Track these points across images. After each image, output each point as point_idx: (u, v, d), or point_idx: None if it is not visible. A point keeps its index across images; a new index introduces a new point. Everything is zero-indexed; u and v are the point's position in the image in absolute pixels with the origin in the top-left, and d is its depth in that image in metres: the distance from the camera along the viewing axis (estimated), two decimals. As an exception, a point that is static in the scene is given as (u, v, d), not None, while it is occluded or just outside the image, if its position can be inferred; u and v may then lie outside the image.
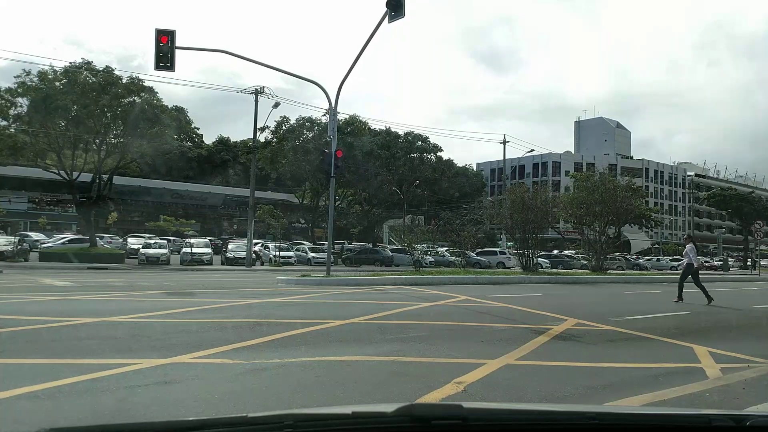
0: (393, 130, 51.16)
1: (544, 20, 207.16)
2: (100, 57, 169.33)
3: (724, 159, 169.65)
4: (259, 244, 38.77)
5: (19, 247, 28.61)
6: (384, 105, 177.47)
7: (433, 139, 54.08)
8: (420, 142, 52.53)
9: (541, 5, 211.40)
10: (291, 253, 35.36)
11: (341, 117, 39.80)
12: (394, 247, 42.30)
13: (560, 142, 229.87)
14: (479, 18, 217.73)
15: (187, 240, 36.57)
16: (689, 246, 14.86)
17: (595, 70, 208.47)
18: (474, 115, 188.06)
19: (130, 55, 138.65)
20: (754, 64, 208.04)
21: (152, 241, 33.66)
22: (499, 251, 40.67)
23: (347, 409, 1.62)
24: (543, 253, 37.62)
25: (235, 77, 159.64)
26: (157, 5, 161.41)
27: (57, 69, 28.32)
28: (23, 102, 28.18)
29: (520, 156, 73.54)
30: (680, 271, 15.38)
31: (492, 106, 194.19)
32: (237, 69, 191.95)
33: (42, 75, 27.82)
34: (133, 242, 36.99)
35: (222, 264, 31.87)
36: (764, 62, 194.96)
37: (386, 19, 16.02)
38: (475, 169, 77.92)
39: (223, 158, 70.39)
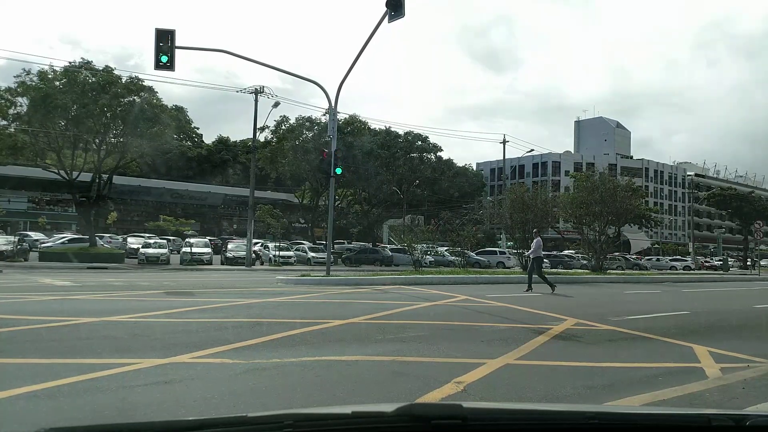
0: (393, 129, 51.20)
1: (542, 19, 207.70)
2: (97, 56, 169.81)
3: (722, 158, 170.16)
4: (259, 244, 38.71)
5: (18, 247, 28.58)
6: (382, 104, 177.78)
7: (432, 139, 54.05)
8: (420, 142, 52.49)
9: (540, 4, 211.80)
10: (291, 253, 35.32)
11: (341, 117, 39.79)
12: (393, 246, 42.27)
13: (559, 141, 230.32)
14: (477, 17, 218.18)
15: (187, 240, 36.57)
16: (537, 239, 16.57)
17: (594, 70, 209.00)
18: (472, 115, 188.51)
19: (127, 54, 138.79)
20: (752, 64, 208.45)
21: (152, 241, 33.61)
22: (499, 251, 40.66)
23: (347, 409, 1.62)
24: (543, 252, 37.55)
25: (231, 76, 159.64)
26: (154, 4, 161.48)
27: (57, 68, 28.31)
28: (23, 102, 28.14)
29: (519, 156, 73.58)
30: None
31: (490, 105, 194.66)
32: (233, 68, 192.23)
33: (42, 74, 27.78)
34: (133, 242, 36.94)
35: (222, 264, 31.84)
36: (762, 61, 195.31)
37: (386, 18, 16.01)
38: (474, 168, 77.88)
39: (222, 158, 70.37)
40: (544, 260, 38.43)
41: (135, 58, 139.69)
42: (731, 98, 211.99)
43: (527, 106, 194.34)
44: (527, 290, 15.59)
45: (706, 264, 59.18)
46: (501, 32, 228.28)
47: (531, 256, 16.72)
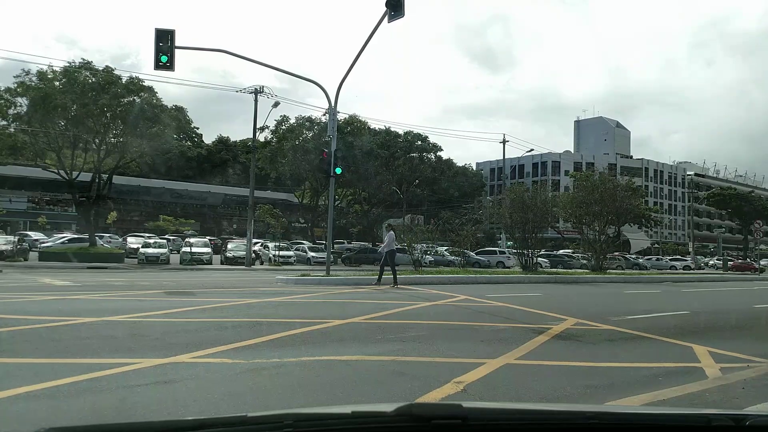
0: (392, 129, 51.22)
1: (538, 18, 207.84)
2: (94, 55, 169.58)
3: (720, 158, 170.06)
4: (259, 244, 38.71)
5: (18, 247, 28.57)
6: (379, 104, 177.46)
7: (430, 139, 54.01)
8: (419, 142, 52.50)
9: (536, 3, 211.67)
10: (290, 253, 35.29)
11: (341, 117, 39.79)
12: (393, 246, 42.23)
13: (556, 141, 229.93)
14: (473, 16, 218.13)
15: (187, 239, 36.55)
16: (389, 233, 17.20)
17: (590, 69, 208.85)
18: (469, 114, 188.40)
19: (123, 54, 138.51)
20: (749, 63, 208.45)
21: (152, 241, 33.59)
22: (499, 251, 40.65)
23: (347, 409, 1.62)
24: (543, 252, 37.59)
25: (228, 76, 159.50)
26: (150, 3, 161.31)
27: (56, 69, 28.30)
28: (23, 102, 28.13)
29: (519, 156, 73.58)
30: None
31: (487, 104, 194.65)
32: (230, 68, 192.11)
33: (41, 74, 27.77)
34: (133, 242, 36.93)
35: (221, 263, 31.84)
36: (759, 60, 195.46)
37: (386, 18, 16.00)
38: (474, 168, 77.88)
39: (222, 158, 70.35)
40: (545, 260, 38.98)
41: (132, 58, 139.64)
42: (729, 97, 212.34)
43: (524, 106, 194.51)
44: (377, 283, 15.95)
45: (711, 264, 58.05)
46: (497, 32, 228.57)
47: (384, 251, 16.94)
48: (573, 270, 32.71)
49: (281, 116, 45.29)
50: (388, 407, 1.57)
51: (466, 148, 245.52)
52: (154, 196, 61.66)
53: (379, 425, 1.58)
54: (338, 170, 18.66)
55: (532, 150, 59.72)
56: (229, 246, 34.73)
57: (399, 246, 38.21)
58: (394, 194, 50.29)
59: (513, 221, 27.40)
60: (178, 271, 25.16)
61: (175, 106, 34.23)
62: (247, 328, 7.95)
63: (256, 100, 32.85)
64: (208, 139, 73.92)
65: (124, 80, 29.35)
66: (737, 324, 10.93)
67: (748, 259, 57.54)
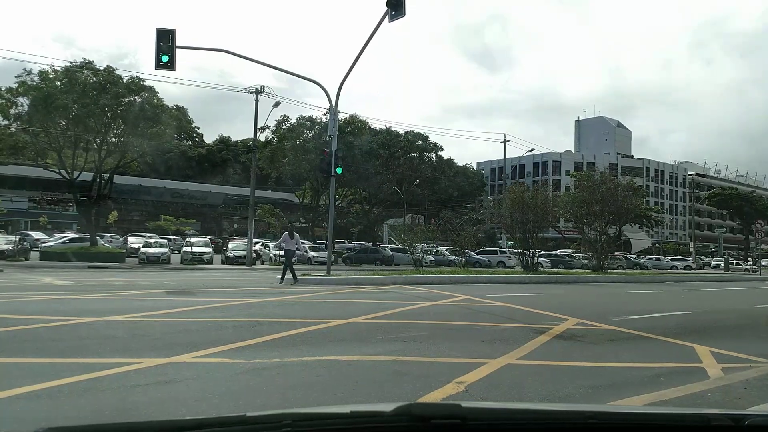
0: (393, 129, 51.18)
1: (536, 18, 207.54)
2: (91, 55, 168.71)
3: (720, 157, 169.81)
4: (259, 243, 38.75)
5: (19, 246, 28.60)
6: (377, 103, 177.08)
7: (430, 138, 53.96)
8: (420, 141, 52.47)
9: (534, 3, 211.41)
10: (291, 253, 35.23)
11: (341, 116, 39.77)
12: (394, 246, 42.26)
13: (555, 140, 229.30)
14: (472, 16, 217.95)
15: (188, 239, 36.56)
16: (285, 234, 17.54)
17: (589, 69, 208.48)
18: (467, 114, 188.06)
19: (121, 53, 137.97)
20: (748, 62, 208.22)
21: (152, 241, 33.58)
22: (500, 251, 40.60)
23: (346, 409, 1.62)
24: (543, 252, 37.55)
25: (226, 75, 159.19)
26: (148, 3, 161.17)
27: (57, 68, 28.31)
28: (24, 101, 28.15)
29: (520, 155, 73.53)
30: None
31: (486, 104, 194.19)
32: (227, 67, 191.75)
33: (42, 74, 27.78)
34: (134, 241, 36.91)
35: (222, 263, 31.84)
36: (758, 60, 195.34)
37: (386, 18, 15.99)
38: (475, 168, 77.83)
39: (223, 157, 70.40)
40: (546, 260, 39.00)
41: (130, 57, 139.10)
42: (727, 97, 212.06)
43: (522, 105, 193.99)
44: (294, 283, 16.14)
45: (713, 265, 56.84)
46: (496, 31, 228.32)
47: (288, 249, 17.23)
48: (574, 270, 32.68)
49: (282, 116, 45.34)
50: (387, 407, 1.56)
51: (467, 147, 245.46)
52: (155, 195, 61.72)
53: (378, 425, 1.58)
54: (339, 170, 18.66)
55: (532, 150, 59.81)
56: (230, 246, 34.73)
57: (400, 245, 38.49)
58: (394, 194, 50.22)
59: (513, 221, 27.40)
60: (178, 271, 25.15)
61: (176, 105, 34.23)
62: (248, 327, 7.94)
63: (256, 100, 32.85)
64: (209, 138, 74.06)
65: (125, 80, 29.36)
66: (738, 324, 10.92)
67: (750, 260, 57.44)
